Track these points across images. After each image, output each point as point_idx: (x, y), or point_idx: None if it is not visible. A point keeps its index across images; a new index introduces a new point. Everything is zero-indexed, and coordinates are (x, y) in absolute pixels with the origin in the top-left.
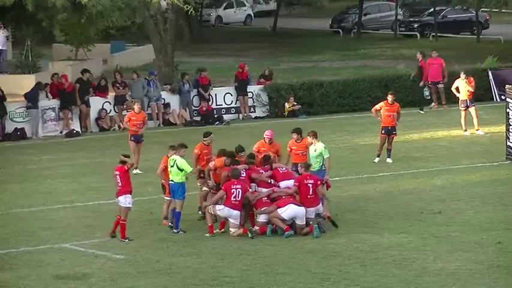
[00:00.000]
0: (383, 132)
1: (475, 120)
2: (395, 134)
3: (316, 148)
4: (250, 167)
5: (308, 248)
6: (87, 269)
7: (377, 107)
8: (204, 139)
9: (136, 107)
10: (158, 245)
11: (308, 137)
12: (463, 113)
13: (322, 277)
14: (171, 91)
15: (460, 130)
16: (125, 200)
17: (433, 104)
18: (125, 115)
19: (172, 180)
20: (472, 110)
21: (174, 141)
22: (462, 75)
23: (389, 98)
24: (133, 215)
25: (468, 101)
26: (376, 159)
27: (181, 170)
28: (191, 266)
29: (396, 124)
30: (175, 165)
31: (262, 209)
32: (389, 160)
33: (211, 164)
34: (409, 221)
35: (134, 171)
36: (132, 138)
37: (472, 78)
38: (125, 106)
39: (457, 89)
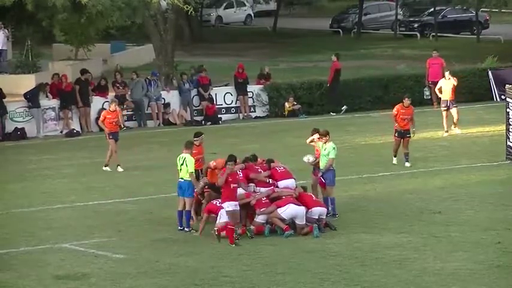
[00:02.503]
0: (396, 135)
1: (455, 119)
2: (410, 136)
3: (326, 147)
4: (248, 166)
5: (308, 248)
6: (87, 269)
7: (394, 112)
8: (194, 139)
9: (112, 105)
10: (158, 245)
11: (322, 136)
12: (444, 113)
13: (322, 277)
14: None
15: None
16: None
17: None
18: (124, 115)
19: (182, 178)
20: (453, 111)
21: (174, 141)
22: (447, 75)
23: (405, 101)
24: (134, 215)
25: (449, 101)
26: (394, 160)
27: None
28: (191, 266)
29: (413, 130)
30: (184, 163)
31: (262, 209)
32: (407, 164)
33: (212, 163)
34: (409, 221)
35: (118, 169)
36: (111, 137)
37: (455, 78)
38: (125, 106)
39: (440, 89)
